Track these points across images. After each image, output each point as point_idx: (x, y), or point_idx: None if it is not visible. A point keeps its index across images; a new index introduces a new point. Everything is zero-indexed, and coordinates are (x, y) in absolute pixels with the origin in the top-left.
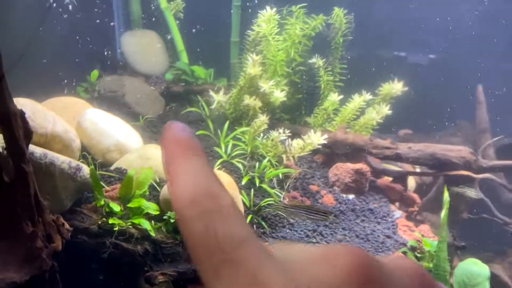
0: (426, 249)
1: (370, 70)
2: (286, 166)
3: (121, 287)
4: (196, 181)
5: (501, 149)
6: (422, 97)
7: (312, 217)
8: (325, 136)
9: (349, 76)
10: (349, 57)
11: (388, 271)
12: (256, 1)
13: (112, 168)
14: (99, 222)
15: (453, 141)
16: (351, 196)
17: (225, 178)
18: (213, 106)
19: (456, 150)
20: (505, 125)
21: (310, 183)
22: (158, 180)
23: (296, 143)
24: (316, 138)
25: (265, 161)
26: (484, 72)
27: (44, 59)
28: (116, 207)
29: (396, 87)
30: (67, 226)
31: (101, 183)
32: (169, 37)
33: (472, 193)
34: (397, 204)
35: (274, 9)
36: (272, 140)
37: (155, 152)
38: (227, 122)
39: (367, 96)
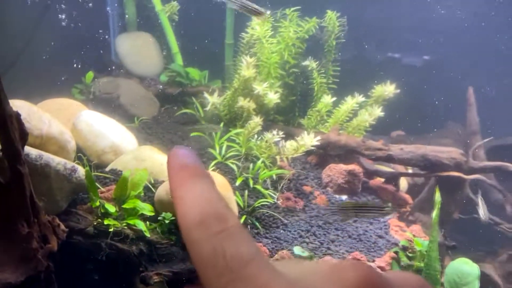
0: (418, 249)
1: (363, 72)
2: (280, 167)
3: (116, 287)
4: (202, 204)
5: (491, 150)
6: (415, 99)
7: (370, 213)
8: (318, 137)
9: (339, 80)
10: (341, 59)
11: (393, 285)
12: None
13: (107, 169)
14: (95, 223)
15: (445, 143)
16: (344, 197)
17: (219, 179)
18: (207, 108)
19: (446, 152)
20: (496, 127)
21: (304, 184)
22: (152, 181)
23: (290, 144)
24: (309, 140)
25: (259, 162)
26: (476, 74)
27: (40, 61)
28: (111, 208)
29: (388, 89)
30: (62, 227)
31: (96, 184)
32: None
33: (481, 213)
34: (389, 204)
35: (268, 12)
36: (266, 141)
37: (150, 154)
38: (222, 124)
39: (360, 98)
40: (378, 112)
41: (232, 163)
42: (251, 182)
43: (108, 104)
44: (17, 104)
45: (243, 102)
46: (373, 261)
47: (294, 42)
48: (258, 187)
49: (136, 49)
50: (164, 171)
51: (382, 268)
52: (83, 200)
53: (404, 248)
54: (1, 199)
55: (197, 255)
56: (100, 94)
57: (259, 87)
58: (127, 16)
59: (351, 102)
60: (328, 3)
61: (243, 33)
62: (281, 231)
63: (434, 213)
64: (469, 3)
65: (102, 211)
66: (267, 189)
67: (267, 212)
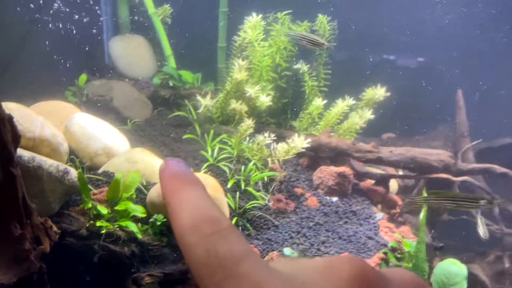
0: (406, 249)
1: (354, 75)
2: (271, 169)
3: None
4: (195, 209)
5: (480, 152)
6: (406, 101)
7: (461, 205)
8: (309, 140)
9: (330, 83)
10: (332, 62)
11: (387, 280)
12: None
13: (99, 171)
14: (87, 225)
15: (435, 145)
16: (334, 199)
17: (211, 181)
18: (200, 110)
19: (435, 154)
20: (485, 129)
21: (295, 185)
22: (144, 183)
23: (281, 146)
24: (300, 142)
25: (250, 164)
26: (466, 76)
27: (32, 64)
28: (103, 210)
29: (379, 92)
30: (55, 228)
31: (89, 186)
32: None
33: (481, 232)
34: (379, 206)
35: (260, 16)
36: (258, 143)
37: (142, 156)
38: (214, 125)
39: (350, 101)
40: (368, 115)
41: (224, 165)
42: (242, 184)
43: (101, 107)
44: (9, 107)
45: (235, 104)
46: None
47: (286, 45)
48: (250, 189)
49: (129, 52)
50: (156, 173)
51: None
52: (76, 202)
53: (393, 249)
54: None
55: (191, 257)
56: (93, 97)
57: (251, 90)
58: (120, 19)
59: (341, 105)
60: (319, 7)
61: (235, 36)
62: (272, 232)
63: (422, 215)
64: (463, 5)
65: (95, 212)
66: (258, 191)
67: (258, 214)
